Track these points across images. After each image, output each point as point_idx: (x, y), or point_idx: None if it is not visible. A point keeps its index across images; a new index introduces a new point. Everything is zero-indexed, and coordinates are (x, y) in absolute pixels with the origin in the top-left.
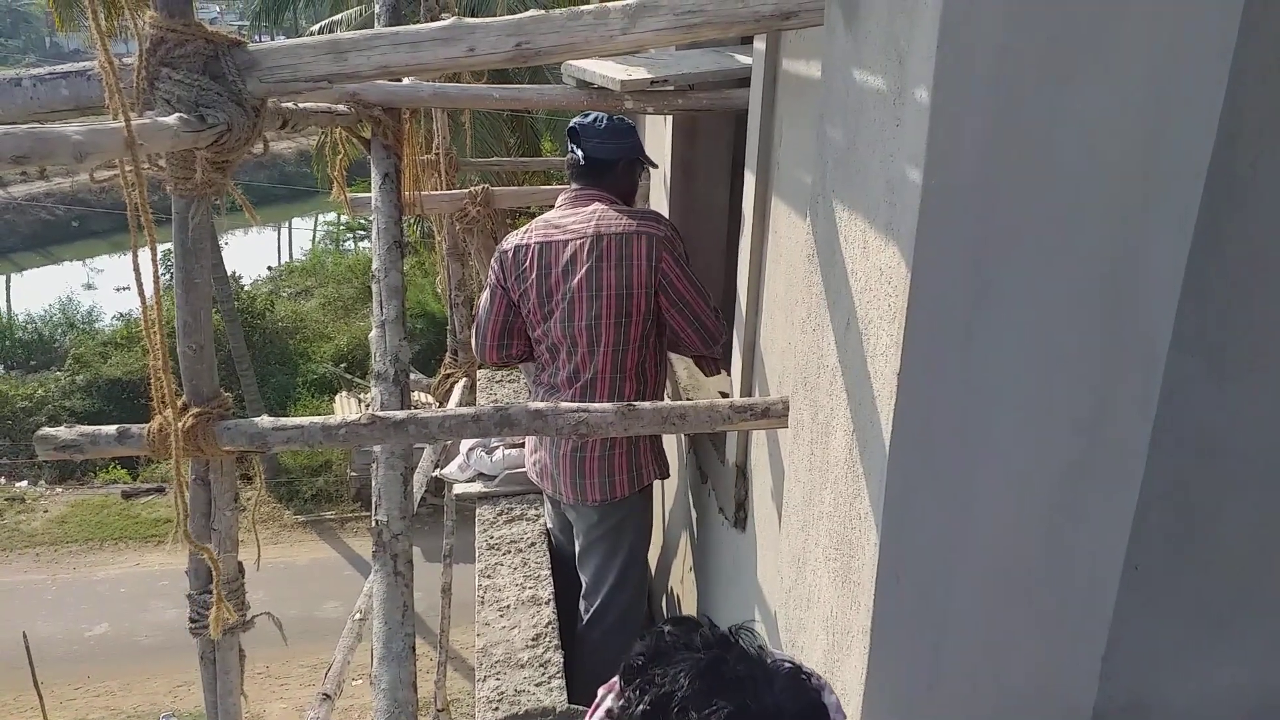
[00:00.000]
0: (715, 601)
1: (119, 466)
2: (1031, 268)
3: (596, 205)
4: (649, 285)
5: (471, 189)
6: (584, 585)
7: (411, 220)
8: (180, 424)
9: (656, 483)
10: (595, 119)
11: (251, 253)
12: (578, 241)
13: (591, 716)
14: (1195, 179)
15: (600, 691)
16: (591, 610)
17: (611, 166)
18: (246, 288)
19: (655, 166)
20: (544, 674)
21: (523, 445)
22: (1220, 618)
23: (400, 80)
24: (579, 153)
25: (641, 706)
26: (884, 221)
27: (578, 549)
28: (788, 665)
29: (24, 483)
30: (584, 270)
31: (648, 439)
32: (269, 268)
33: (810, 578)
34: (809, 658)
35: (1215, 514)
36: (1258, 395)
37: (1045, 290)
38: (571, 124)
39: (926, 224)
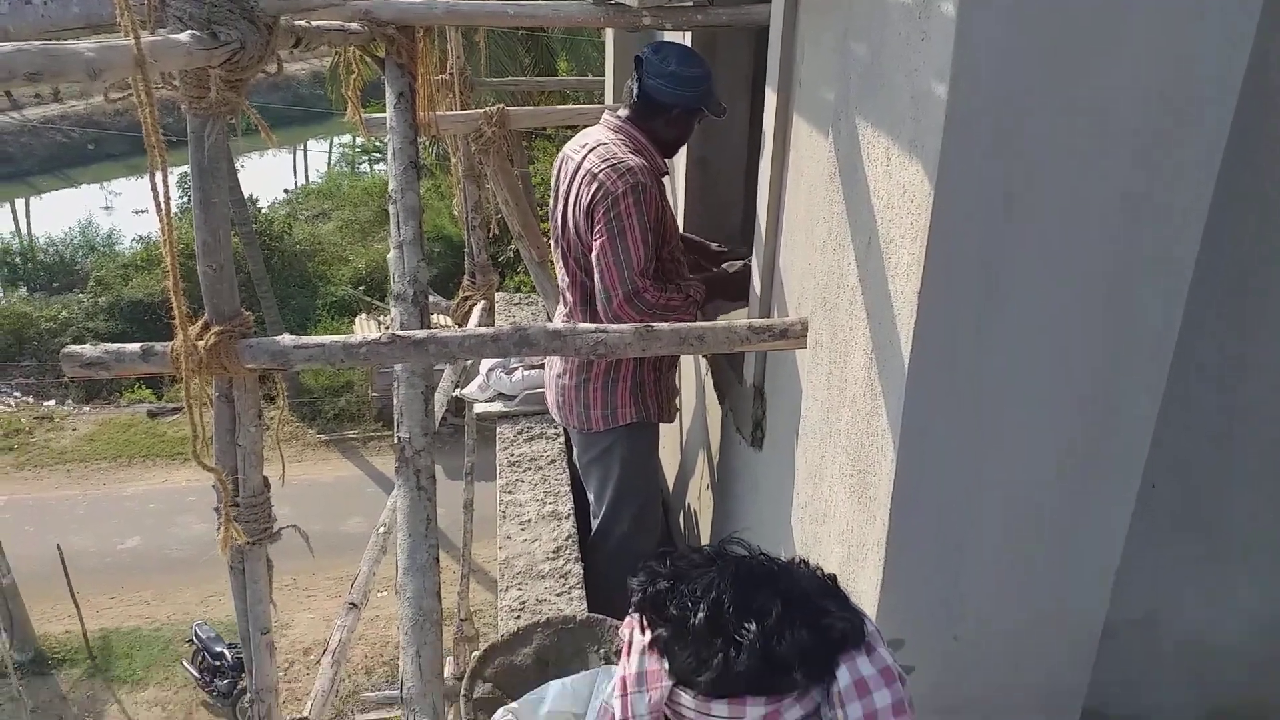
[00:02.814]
0: (732, 518)
1: (144, 386)
2: (1057, 187)
3: (604, 135)
4: (585, 227)
5: (487, 109)
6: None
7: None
8: (204, 342)
9: (676, 407)
10: (665, 55)
11: (268, 176)
12: (569, 166)
13: (629, 657)
14: (1227, 103)
15: (623, 634)
16: (594, 533)
17: (664, 110)
18: (264, 210)
19: (722, 116)
20: (564, 584)
21: (541, 366)
22: (1231, 539)
23: None
24: (635, 84)
25: (700, 615)
26: (908, 138)
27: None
28: (785, 559)
29: (51, 402)
30: (561, 198)
31: (629, 381)
32: (285, 190)
33: (827, 493)
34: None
35: (1226, 437)
36: None
37: (1071, 210)
38: (641, 51)
39: (951, 140)
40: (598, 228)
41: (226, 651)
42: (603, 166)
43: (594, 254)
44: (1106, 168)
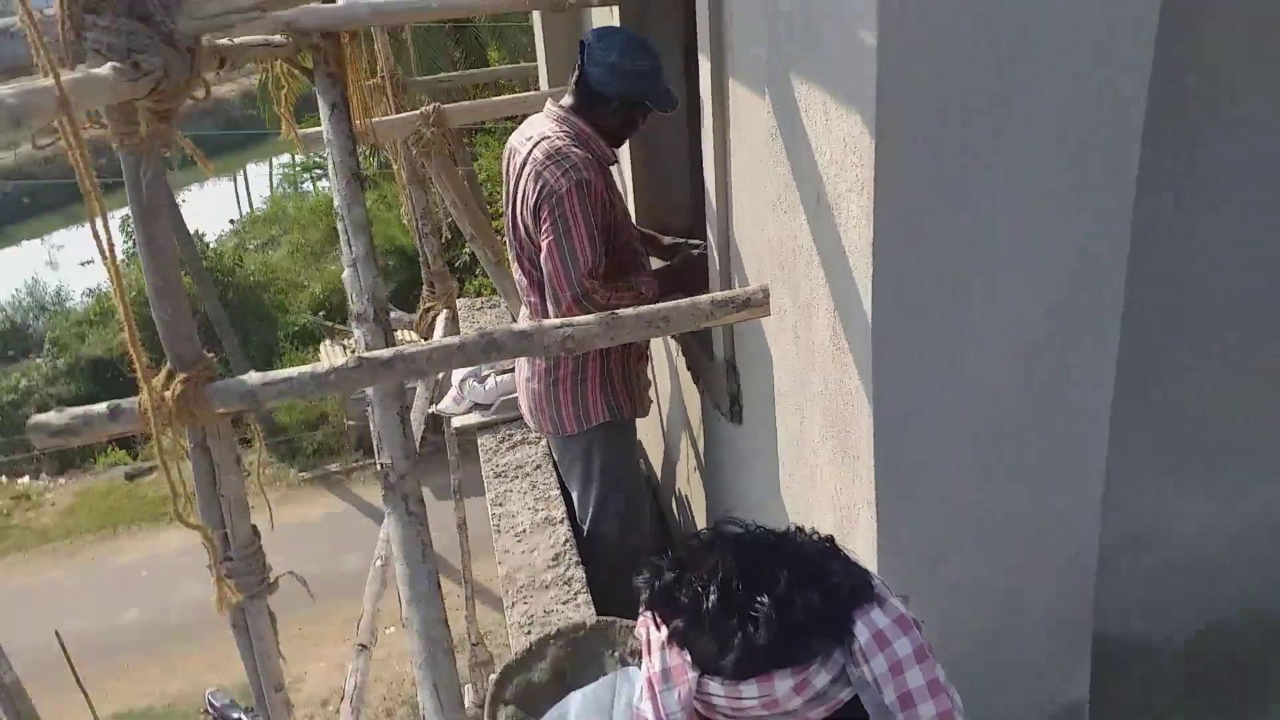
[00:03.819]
0: (721, 497)
1: (118, 448)
2: (999, 122)
3: (547, 126)
4: (532, 227)
5: (423, 109)
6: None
7: (366, 151)
8: (170, 393)
9: (650, 399)
10: (608, 44)
11: (211, 208)
12: (516, 160)
13: (650, 656)
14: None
15: (639, 634)
16: (585, 535)
17: (605, 101)
18: (212, 245)
19: (671, 109)
20: (569, 591)
21: (513, 370)
22: (1215, 451)
23: (335, 1)
24: (577, 71)
25: (712, 598)
26: (844, 91)
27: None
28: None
29: (25, 478)
30: (510, 195)
31: (597, 380)
32: (231, 221)
33: (810, 459)
34: None
35: (1197, 358)
36: None
37: (1016, 141)
38: (585, 35)
39: (887, 88)
40: (544, 227)
41: (244, 716)
42: (546, 163)
43: (542, 255)
44: (1043, 92)
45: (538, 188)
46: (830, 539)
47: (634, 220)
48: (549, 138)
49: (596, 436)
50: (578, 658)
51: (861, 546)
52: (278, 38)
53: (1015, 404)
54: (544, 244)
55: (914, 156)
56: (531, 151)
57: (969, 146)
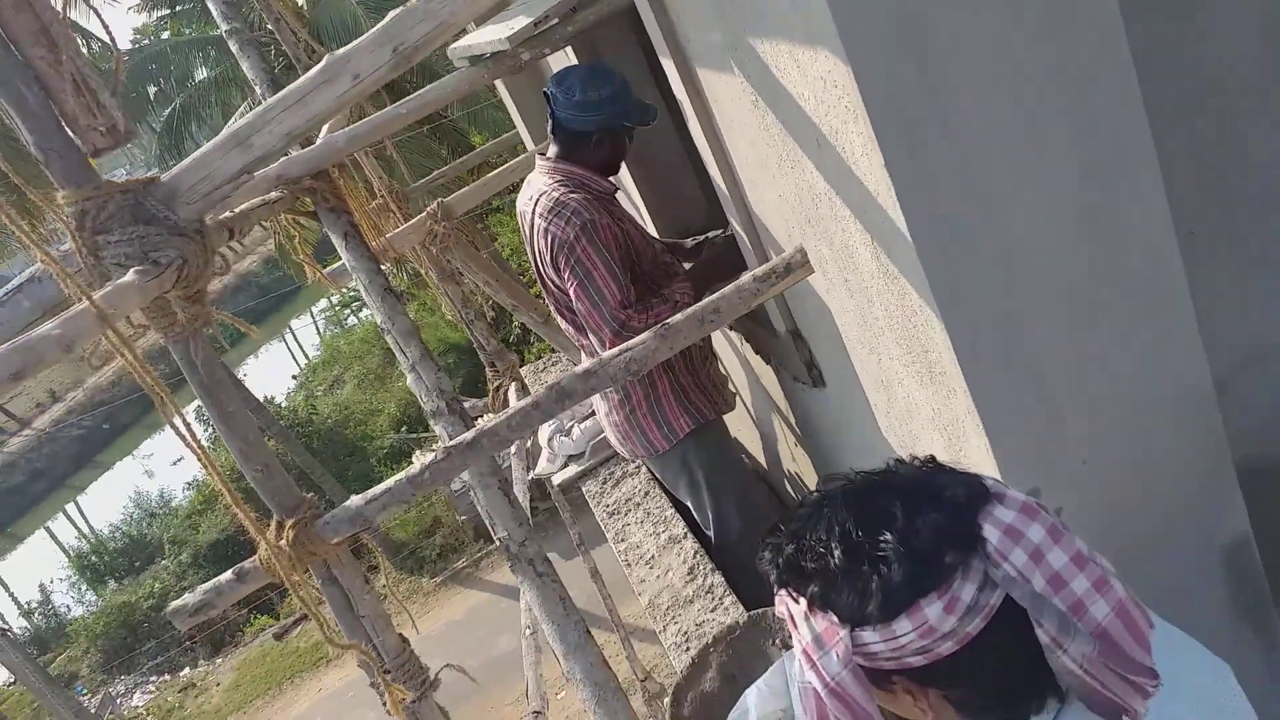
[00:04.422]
0: (828, 461)
1: (260, 613)
2: (960, 3)
3: (542, 182)
4: (557, 279)
5: (429, 209)
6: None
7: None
8: (284, 540)
9: (730, 392)
10: (569, 84)
11: (271, 373)
12: (526, 221)
13: (797, 629)
14: None
15: (781, 612)
16: (714, 542)
17: (585, 137)
18: (283, 405)
19: (651, 120)
20: (713, 599)
21: (592, 415)
22: None
23: (313, 143)
24: (550, 120)
25: (836, 554)
26: (803, 33)
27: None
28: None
29: (186, 670)
30: (531, 256)
31: (670, 395)
32: (293, 376)
33: (900, 390)
34: None
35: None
36: None
37: (992, 15)
38: (546, 86)
39: (841, 14)
40: (566, 276)
41: None
42: (550, 217)
43: (573, 301)
44: None
45: (549, 243)
46: (931, 458)
47: (656, 235)
48: (546, 192)
49: (689, 446)
50: (741, 656)
51: (977, 457)
52: (273, 194)
53: (1079, 264)
54: (571, 291)
55: (894, 64)
56: (535, 209)
57: (943, 27)
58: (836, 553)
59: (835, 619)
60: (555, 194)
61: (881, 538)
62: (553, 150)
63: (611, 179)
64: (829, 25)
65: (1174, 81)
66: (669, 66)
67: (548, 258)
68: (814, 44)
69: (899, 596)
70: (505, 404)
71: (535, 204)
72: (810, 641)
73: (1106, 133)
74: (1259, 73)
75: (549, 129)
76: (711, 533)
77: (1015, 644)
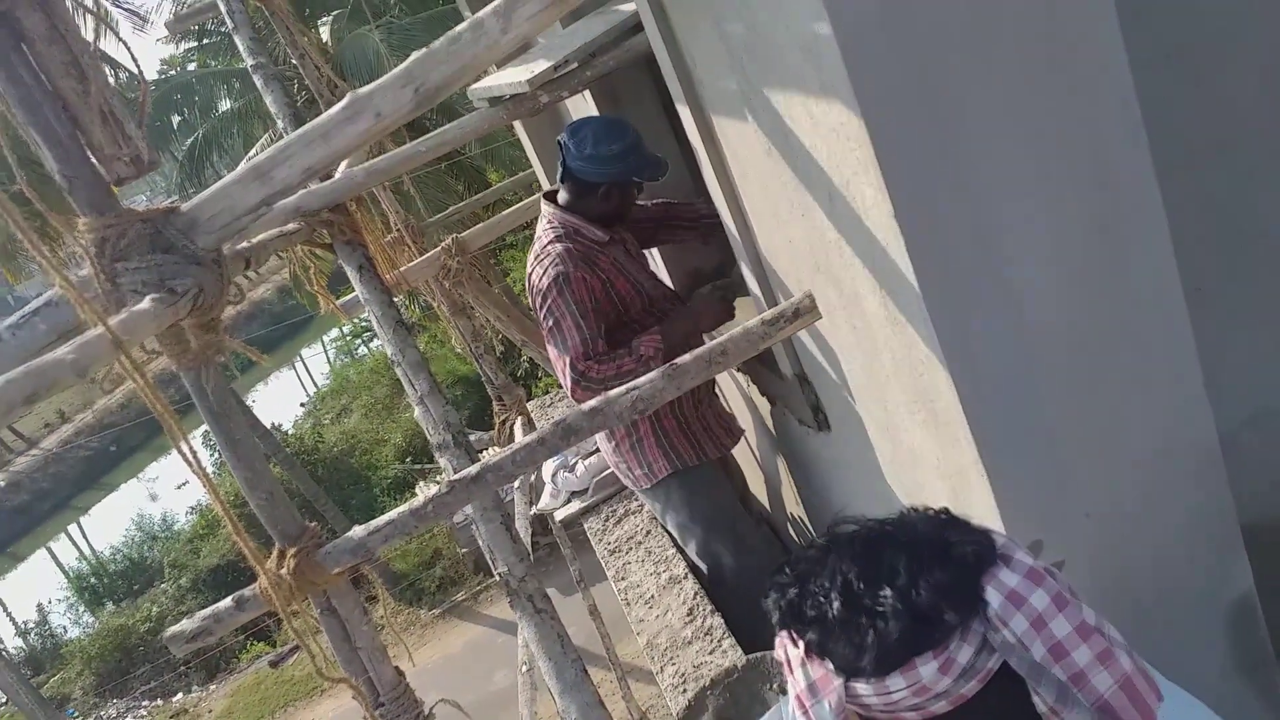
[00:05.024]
0: (831, 506)
1: (256, 640)
2: (974, 60)
3: (540, 227)
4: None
5: (444, 244)
6: None
7: (405, 301)
8: (285, 569)
9: (722, 436)
10: (581, 137)
11: (280, 401)
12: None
13: (793, 674)
14: None
15: (779, 655)
16: (708, 579)
17: (593, 189)
18: (290, 432)
19: (660, 177)
20: (712, 640)
21: (597, 451)
22: None
23: (332, 176)
24: (561, 169)
25: (835, 604)
26: (816, 83)
27: None
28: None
29: (179, 695)
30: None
31: (650, 437)
32: (301, 404)
33: (905, 438)
34: None
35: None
36: None
37: (1005, 59)
38: (560, 136)
39: (854, 66)
40: (541, 319)
41: None
42: (533, 264)
43: (546, 345)
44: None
45: (530, 289)
46: (945, 510)
47: (668, 276)
48: (539, 238)
49: (670, 485)
50: (739, 700)
51: (980, 507)
52: (290, 225)
53: (1086, 318)
54: (545, 334)
55: (904, 115)
56: (530, 253)
57: (957, 82)
58: (836, 603)
59: (830, 668)
60: (544, 240)
61: (882, 592)
62: (562, 196)
63: (612, 231)
64: (843, 78)
65: (1183, 139)
66: (684, 112)
67: (535, 301)
68: (828, 96)
69: (894, 653)
70: (511, 438)
71: (532, 248)
72: (805, 688)
73: (1116, 189)
74: (1268, 131)
75: (559, 176)
76: (706, 574)
77: (1011, 709)
